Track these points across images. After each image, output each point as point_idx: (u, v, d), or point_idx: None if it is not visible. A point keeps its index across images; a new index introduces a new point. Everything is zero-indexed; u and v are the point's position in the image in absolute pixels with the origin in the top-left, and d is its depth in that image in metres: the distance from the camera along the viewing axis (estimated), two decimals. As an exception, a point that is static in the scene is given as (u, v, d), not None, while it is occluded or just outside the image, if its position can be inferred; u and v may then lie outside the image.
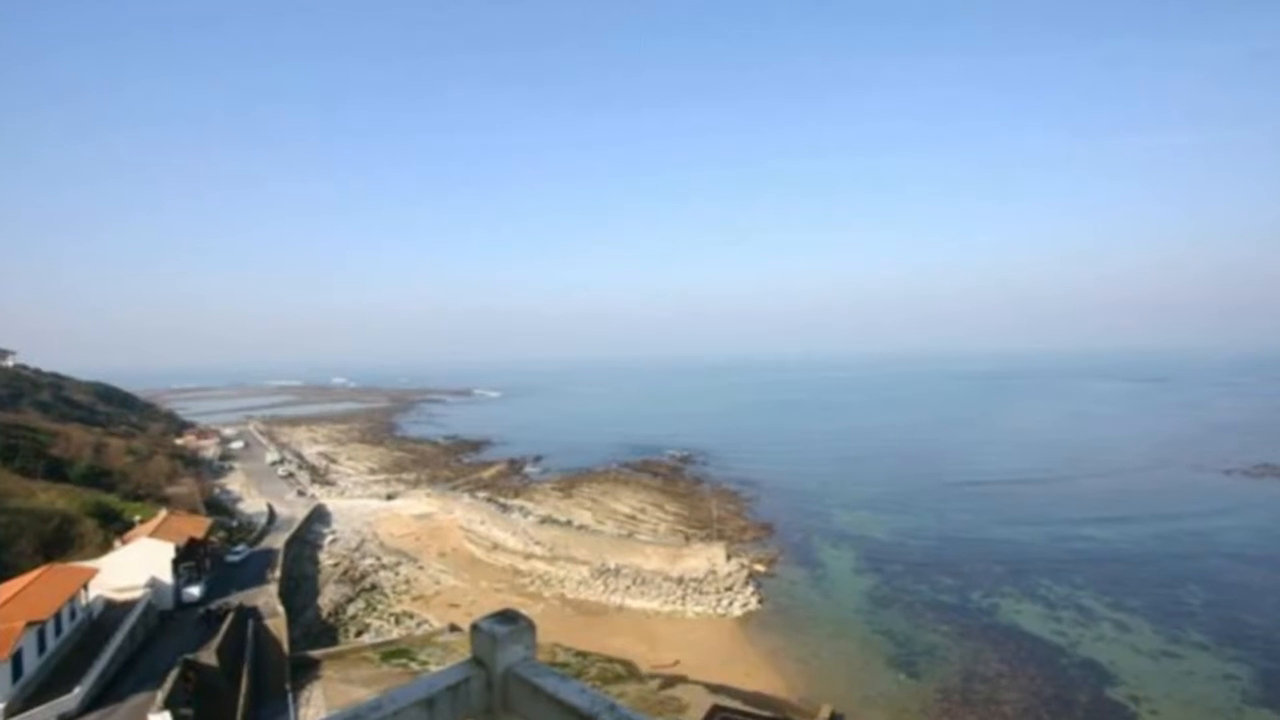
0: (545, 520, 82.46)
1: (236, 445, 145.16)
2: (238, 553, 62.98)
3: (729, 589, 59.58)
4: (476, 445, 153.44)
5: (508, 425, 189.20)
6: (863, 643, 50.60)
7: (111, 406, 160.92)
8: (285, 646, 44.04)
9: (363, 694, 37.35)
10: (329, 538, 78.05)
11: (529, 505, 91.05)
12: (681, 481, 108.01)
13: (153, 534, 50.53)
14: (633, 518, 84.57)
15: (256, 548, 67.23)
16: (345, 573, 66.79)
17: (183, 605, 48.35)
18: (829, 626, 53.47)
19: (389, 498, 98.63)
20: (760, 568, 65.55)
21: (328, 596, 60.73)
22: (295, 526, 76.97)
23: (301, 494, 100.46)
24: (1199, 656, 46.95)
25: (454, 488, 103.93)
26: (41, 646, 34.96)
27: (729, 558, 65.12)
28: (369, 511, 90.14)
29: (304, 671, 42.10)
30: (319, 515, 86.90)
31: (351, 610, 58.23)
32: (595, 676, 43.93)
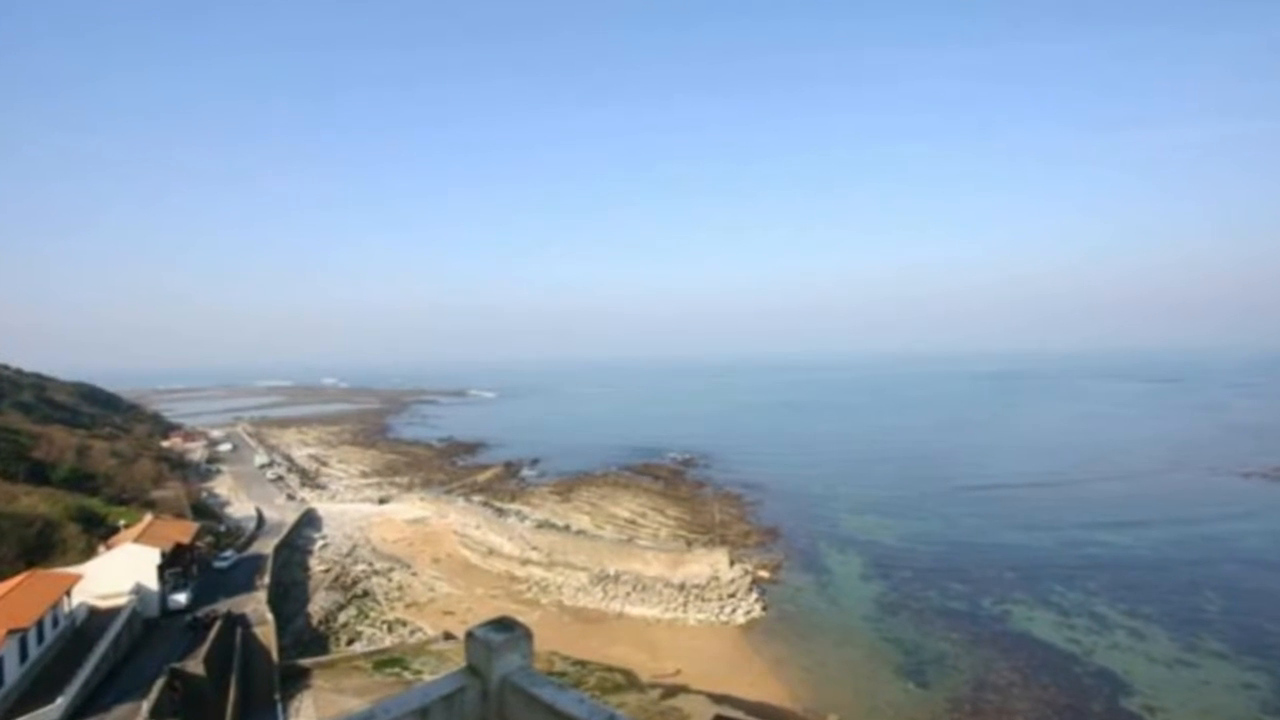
0: (543, 525, 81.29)
1: (224, 448, 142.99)
2: (225, 558, 62.43)
3: (732, 596, 58.57)
4: (471, 447, 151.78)
5: (504, 427, 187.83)
6: (870, 651, 49.69)
7: (95, 408, 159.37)
8: (274, 655, 43.27)
9: (354, 704, 36.76)
10: (320, 543, 76.66)
11: (526, 509, 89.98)
12: (683, 485, 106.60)
13: (138, 539, 50.13)
14: (633, 522, 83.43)
15: (245, 553, 66.39)
16: (336, 579, 65.49)
17: (169, 612, 47.86)
18: (835, 634, 52.57)
19: (381, 501, 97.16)
20: (764, 574, 64.61)
21: (318, 603, 59.49)
22: (285, 531, 75.82)
23: (291, 498, 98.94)
24: (1216, 665, 46.15)
25: (448, 491, 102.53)
26: (23, 655, 34.52)
27: (732, 563, 64.11)
28: (361, 516, 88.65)
29: (294, 681, 41.43)
30: (309, 520, 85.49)
31: (343, 618, 57.08)
32: (594, 686, 43.21)
